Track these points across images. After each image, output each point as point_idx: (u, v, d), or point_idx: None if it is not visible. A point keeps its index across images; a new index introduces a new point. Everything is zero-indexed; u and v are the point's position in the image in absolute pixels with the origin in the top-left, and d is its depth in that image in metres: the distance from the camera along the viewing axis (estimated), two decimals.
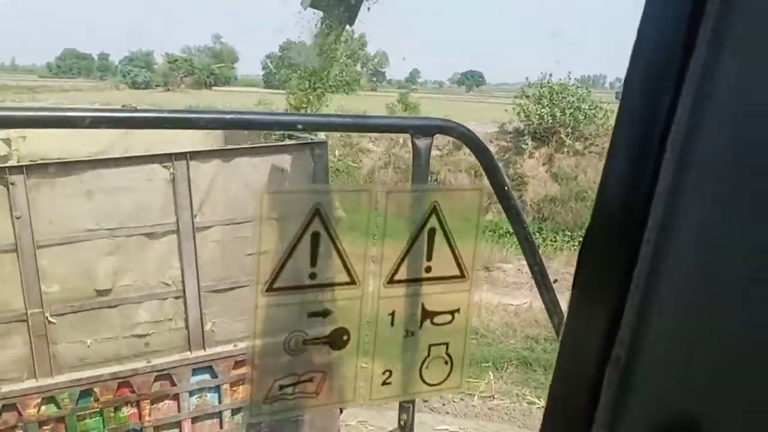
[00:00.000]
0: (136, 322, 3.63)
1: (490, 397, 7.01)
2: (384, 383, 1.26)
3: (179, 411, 3.72)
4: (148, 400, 3.63)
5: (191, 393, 3.75)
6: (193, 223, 3.65)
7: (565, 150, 18.16)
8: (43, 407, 3.42)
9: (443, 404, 6.70)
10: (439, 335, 1.27)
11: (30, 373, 3.44)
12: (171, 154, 3.60)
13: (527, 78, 20.27)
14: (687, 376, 0.56)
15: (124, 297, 3.59)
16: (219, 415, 3.85)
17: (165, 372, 3.66)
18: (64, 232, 3.41)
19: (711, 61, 0.51)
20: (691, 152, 0.53)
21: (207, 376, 3.78)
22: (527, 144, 18.21)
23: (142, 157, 3.63)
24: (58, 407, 3.44)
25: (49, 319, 3.43)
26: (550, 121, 18.09)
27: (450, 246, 1.23)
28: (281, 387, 1.21)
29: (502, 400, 7.00)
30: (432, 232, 1.22)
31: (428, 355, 1.28)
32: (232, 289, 3.80)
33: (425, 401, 6.63)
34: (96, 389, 3.55)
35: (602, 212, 0.61)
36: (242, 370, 3.76)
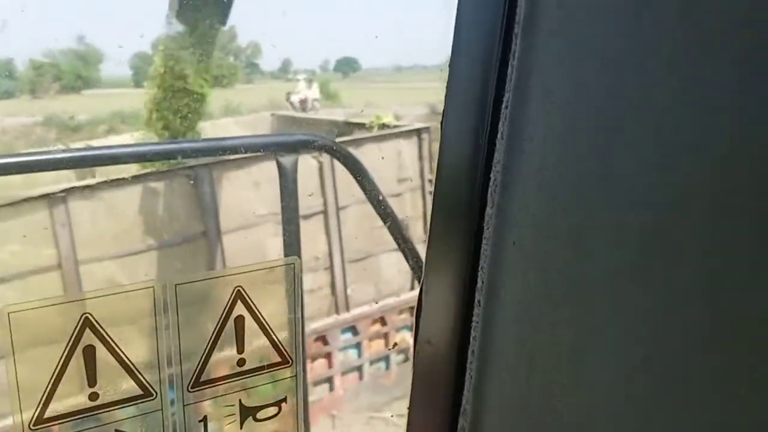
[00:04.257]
0: None
1: None
2: None
3: (330, 367, 4.28)
4: (309, 360, 4.11)
5: (340, 350, 4.35)
6: (337, 203, 4.18)
7: None
8: None
9: None
10: (265, 431, 1.11)
11: None
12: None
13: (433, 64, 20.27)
14: None
15: None
16: (359, 368, 4.43)
17: (322, 334, 4.22)
18: (239, 220, 3.84)
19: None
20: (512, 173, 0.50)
21: (350, 335, 4.38)
22: None
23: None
24: None
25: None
26: None
27: (265, 331, 1.07)
28: None
29: None
30: (240, 321, 1.05)
31: None
32: (364, 258, 4.34)
33: None
34: None
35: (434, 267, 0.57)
36: (377, 327, 4.44)
